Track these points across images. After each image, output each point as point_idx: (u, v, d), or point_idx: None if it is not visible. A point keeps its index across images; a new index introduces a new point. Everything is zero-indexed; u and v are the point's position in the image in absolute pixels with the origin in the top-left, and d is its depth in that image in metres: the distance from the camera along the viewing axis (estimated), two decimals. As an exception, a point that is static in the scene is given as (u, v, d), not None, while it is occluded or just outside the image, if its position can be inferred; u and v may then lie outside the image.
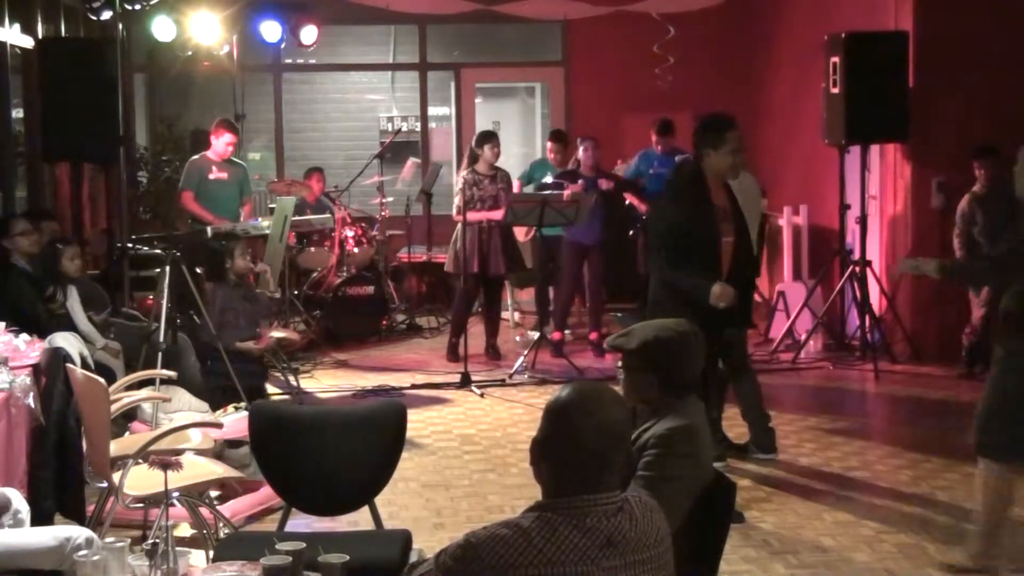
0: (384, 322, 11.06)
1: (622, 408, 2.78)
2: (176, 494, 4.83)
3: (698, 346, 3.85)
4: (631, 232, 10.68)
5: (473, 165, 9.70)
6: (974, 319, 9.08)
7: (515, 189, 10.16)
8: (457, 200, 9.53)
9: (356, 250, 10.88)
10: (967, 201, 9.06)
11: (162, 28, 10.34)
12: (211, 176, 9.91)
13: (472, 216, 9.48)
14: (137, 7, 9.86)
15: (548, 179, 10.10)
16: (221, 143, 9.86)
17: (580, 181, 9.74)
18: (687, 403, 3.74)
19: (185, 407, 7.31)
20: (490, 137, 9.77)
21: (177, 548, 3.41)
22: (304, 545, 3.38)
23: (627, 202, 10.58)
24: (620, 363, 3.88)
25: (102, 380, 5.05)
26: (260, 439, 4.68)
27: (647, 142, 10.53)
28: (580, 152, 10.15)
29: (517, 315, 11.58)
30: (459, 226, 9.49)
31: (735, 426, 7.11)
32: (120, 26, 9.79)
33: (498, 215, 9.48)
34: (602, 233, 10.01)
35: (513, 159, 13.94)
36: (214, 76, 12.19)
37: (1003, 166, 8.96)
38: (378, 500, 4.74)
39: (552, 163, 10.64)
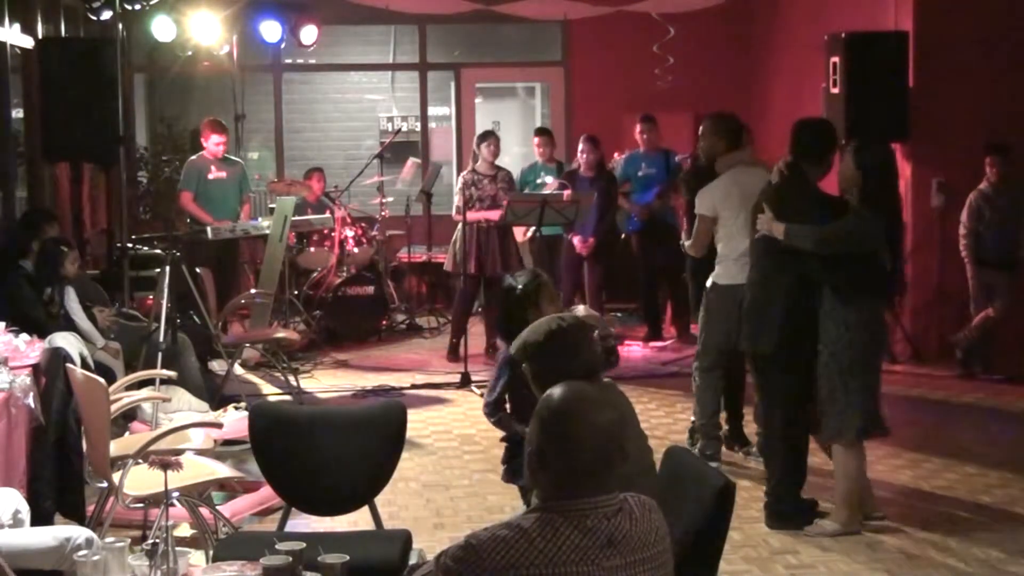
0: (384, 322, 11.05)
1: (612, 408, 2.77)
2: (176, 494, 4.82)
3: (571, 342, 3.79)
4: (623, 236, 10.66)
5: (474, 165, 9.75)
6: (975, 321, 9.08)
7: None
8: (457, 200, 9.60)
9: (356, 250, 10.88)
10: (975, 198, 9.06)
11: (162, 28, 10.34)
12: (210, 176, 9.94)
13: (469, 216, 9.52)
14: (137, 7, 9.86)
15: (549, 179, 10.10)
16: (211, 145, 9.90)
17: (567, 191, 9.71)
18: None
19: (185, 407, 7.32)
20: (486, 136, 9.82)
21: (177, 548, 3.41)
22: (304, 545, 3.39)
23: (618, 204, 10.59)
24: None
25: (102, 380, 5.05)
26: (260, 439, 4.68)
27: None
28: (579, 153, 10.16)
29: (517, 315, 11.55)
30: (459, 226, 9.55)
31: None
32: (120, 26, 9.79)
33: (494, 215, 9.49)
34: (599, 232, 9.96)
35: (513, 159, 13.94)
36: (214, 76, 12.19)
37: (1012, 164, 8.99)
38: (378, 500, 4.74)
39: (541, 159, 10.64)
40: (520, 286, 4.88)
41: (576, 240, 9.88)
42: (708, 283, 6.86)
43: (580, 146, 10.13)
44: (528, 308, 4.88)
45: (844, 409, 5.61)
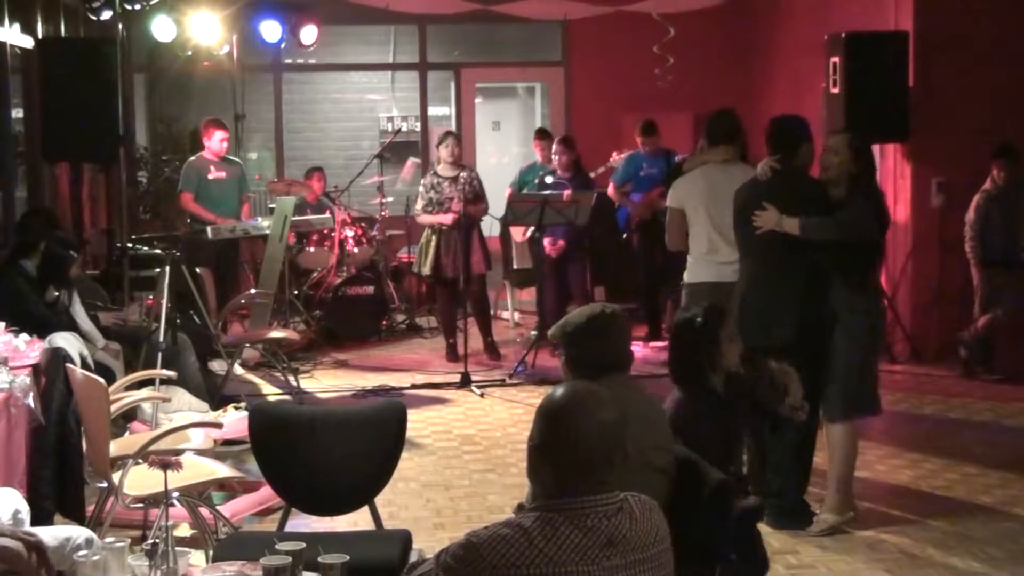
0: (384, 322, 11.06)
1: (615, 408, 2.77)
2: (176, 494, 4.82)
3: (612, 329, 3.84)
4: (624, 235, 10.65)
5: (436, 167, 9.76)
6: (977, 321, 9.07)
7: (505, 195, 10.16)
8: (417, 203, 9.64)
9: (356, 250, 10.88)
10: (981, 200, 9.05)
11: (162, 28, 10.35)
12: (210, 176, 9.95)
13: (424, 219, 9.61)
14: (137, 7, 9.86)
15: (548, 180, 10.09)
16: (216, 142, 9.91)
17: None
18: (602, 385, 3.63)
19: (185, 407, 7.32)
20: (443, 138, 9.79)
21: (177, 548, 3.41)
22: (304, 545, 3.38)
23: (617, 205, 10.58)
24: None
25: (102, 380, 5.05)
26: (260, 439, 4.68)
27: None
28: (553, 155, 10.14)
29: (517, 315, 11.57)
30: (426, 229, 9.68)
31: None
32: (120, 26, 9.79)
33: (447, 219, 9.46)
34: (575, 235, 9.93)
35: (513, 159, 13.96)
36: (214, 76, 12.19)
37: (1019, 166, 8.99)
38: (378, 500, 4.74)
39: (541, 161, 10.63)
40: (698, 321, 4.40)
41: (546, 242, 9.86)
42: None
43: (554, 147, 10.13)
44: (705, 348, 4.41)
45: (857, 391, 5.71)
